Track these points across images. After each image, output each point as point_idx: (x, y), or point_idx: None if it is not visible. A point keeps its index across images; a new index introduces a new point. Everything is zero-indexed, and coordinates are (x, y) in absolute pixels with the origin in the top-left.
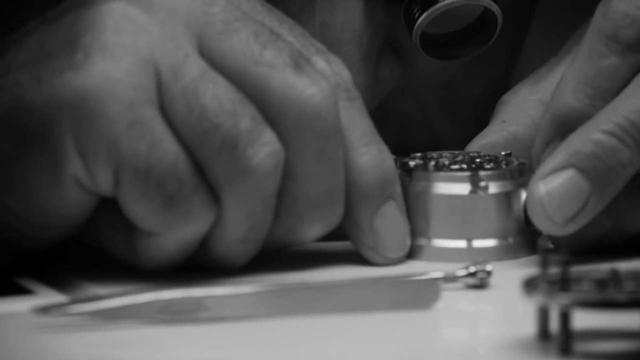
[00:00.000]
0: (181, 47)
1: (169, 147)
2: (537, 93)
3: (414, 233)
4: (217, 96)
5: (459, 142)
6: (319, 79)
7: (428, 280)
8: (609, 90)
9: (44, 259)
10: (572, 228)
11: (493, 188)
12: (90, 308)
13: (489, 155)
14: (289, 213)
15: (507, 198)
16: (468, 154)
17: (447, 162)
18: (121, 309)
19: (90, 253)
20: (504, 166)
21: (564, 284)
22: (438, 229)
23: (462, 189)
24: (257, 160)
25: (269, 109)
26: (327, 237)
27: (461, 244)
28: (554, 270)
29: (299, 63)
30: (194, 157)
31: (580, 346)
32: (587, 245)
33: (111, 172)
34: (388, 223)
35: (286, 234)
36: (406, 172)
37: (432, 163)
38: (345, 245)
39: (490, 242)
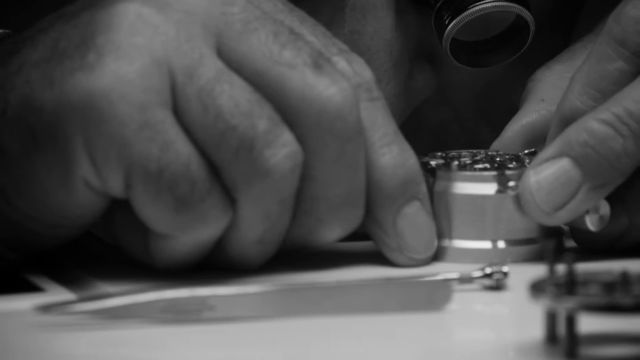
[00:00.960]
0: (197, 48)
1: (181, 150)
2: (573, 70)
3: (438, 234)
4: (233, 97)
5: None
6: (339, 79)
7: (440, 282)
8: (614, 94)
9: (60, 255)
10: (562, 217)
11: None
12: (92, 307)
13: (509, 154)
14: (307, 215)
15: None
16: (487, 152)
17: (469, 162)
18: (124, 308)
19: (107, 250)
20: (527, 164)
21: (570, 287)
22: (462, 230)
23: (489, 188)
24: (274, 162)
25: (288, 109)
26: (350, 237)
27: (486, 245)
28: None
29: (319, 63)
30: (209, 159)
31: (587, 350)
32: (608, 244)
33: (122, 175)
34: (412, 223)
35: (305, 236)
36: (428, 171)
37: (455, 162)
38: (367, 245)
39: (516, 243)
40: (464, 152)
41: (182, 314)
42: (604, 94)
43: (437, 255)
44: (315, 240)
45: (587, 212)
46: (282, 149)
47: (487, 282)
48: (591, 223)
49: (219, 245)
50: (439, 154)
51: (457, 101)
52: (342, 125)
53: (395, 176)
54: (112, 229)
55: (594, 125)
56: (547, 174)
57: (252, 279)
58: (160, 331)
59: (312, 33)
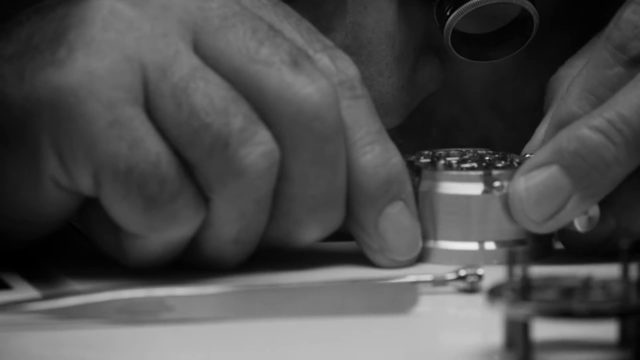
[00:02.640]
0: (172, 44)
1: (151, 148)
2: None
3: (423, 235)
4: (208, 94)
5: (512, 146)
6: (318, 77)
7: (406, 284)
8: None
9: (37, 252)
10: (552, 227)
11: (506, 188)
12: (46, 306)
13: (499, 154)
14: (284, 215)
15: None
16: (477, 151)
17: (456, 161)
18: (79, 307)
19: (87, 245)
20: (516, 164)
21: (524, 292)
22: (447, 231)
23: (474, 188)
24: (249, 160)
25: (264, 108)
26: (335, 237)
27: (473, 246)
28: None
29: (297, 61)
30: (183, 158)
31: (542, 357)
32: (594, 246)
33: (90, 174)
34: (394, 224)
35: (282, 236)
36: (414, 171)
37: (442, 162)
38: (349, 245)
39: (504, 245)
40: (452, 151)
41: (138, 314)
42: (602, 99)
43: (422, 257)
44: (293, 240)
45: None
46: (258, 148)
47: (461, 284)
48: (579, 224)
49: (194, 244)
50: (427, 152)
51: (467, 95)
52: (320, 125)
53: (377, 176)
54: (87, 226)
55: (585, 132)
56: (536, 181)
57: (213, 279)
58: (115, 332)
59: (295, 29)
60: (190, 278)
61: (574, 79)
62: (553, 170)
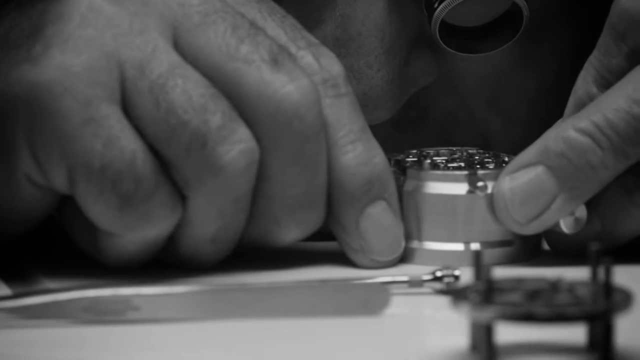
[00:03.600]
0: (150, 41)
1: (126, 146)
2: None
3: (406, 235)
4: (186, 91)
5: (512, 142)
6: (299, 76)
7: (377, 285)
8: None
9: (16, 249)
10: (536, 228)
11: (491, 188)
12: (10, 305)
13: (489, 153)
14: (263, 215)
15: None
16: (467, 150)
17: (444, 160)
18: (44, 306)
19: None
20: (504, 165)
21: (488, 296)
22: (432, 231)
23: (460, 188)
24: (227, 158)
25: (244, 106)
26: (319, 237)
27: (458, 247)
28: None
29: (277, 59)
30: (161, 156)
31: None
32: (580, 249)
33: (65, 171)
34: (376, 224)
35: (261, 236)
36: (400, 170)
37: (428, 161)
38: (331, 245)
39: (490, 246)
40: (442, 150)
41: (105, 314)
42: (608, 87)
43: (407, 257)
44: (272, 240)
45: None
46: (237, 146)
47: (437, 285)
48: (565, 225)
49: (172, 242)
50: (415, 151)
51: (464, 89)
52: (299, 124)
53: (358, 175)
54: (65, 223)
55: (572, 134)
56: (521, 182)
57: (181, 278)
58: (80, 331)
59: (279, 25)
60: (160, 277)
61: (590, 58)
62: (538, 171)
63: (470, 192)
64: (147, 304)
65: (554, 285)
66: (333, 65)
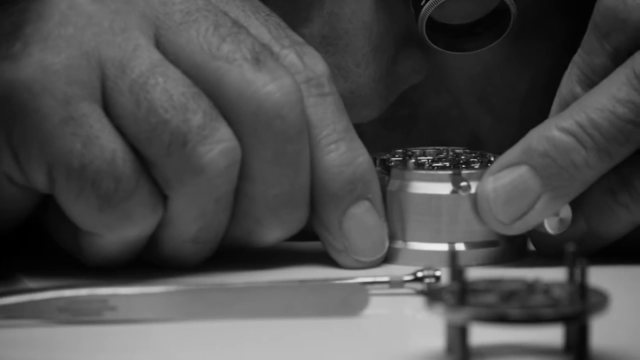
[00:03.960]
0: (132, 39)
1: (106, 145)
2: None
3: (390, 235)
4: (167, 90)
5: (503, 141)
6: (281, 75)
7: (356, 285)
8: None
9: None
10: (520, 228)
11: (475, 188)
12: None
13: (475, 152)
14: (245, 215)
15: None
16: (454, 150)
17: (429, 160)
18: (19, 306)
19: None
20: (489, 165)
21: (462, 297)
22: (416, 231)
23: (444, 188)
24: (208, 158)
25: (225, 105)
26: (300, 237)
27: (442, 247)
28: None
29: (259, 58)
30: (141, 155)
31: None
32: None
33: (44, 170)
34: (359, 224)
35: (244, 236)
36: (385, 170)
37: (412, 161)
38: (315, 245)
39: (474, 246)
40: (429, 150)
41: (81, 314)
42: (592, 86)
43: (391, 258)
44: (255, 240)
45: None
46: (218, 145)
47: (418, 286)
48: (550, 226)
49: (154, 242)
50: (400, 150)
51: (454, 88)
52: (281, 124)
53: (341, 175)
54: (46, 223)
55: (556, 134)
56: (504, 182)
57: (158, 278)
58: (56, 332)
59: (263, 24)
60: (138, 277)
61: (574, 57)
62: (522, 171)
63: (454, 192)
64: (124, 305)
65: (530, 287)
66: (317, 64)
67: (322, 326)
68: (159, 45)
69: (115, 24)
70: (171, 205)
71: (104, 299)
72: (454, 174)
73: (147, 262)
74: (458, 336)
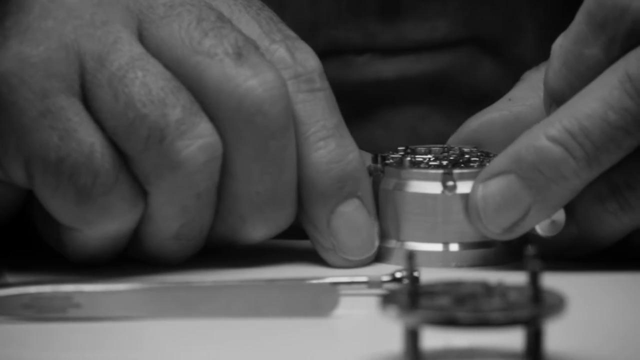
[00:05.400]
0: (113, 32)
1: (83, 139)
2: None
3: (385, 234)
4: (145, 85)
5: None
6: (264, 70)
7: (326, 285)
8: (589, 79)
9: None
10: (512, 236)
11: (466, 188)
12: None
13: (482, 152)
14: (229, 213)
15: None
16: (461, 149)
17: (428, 158)
18: None
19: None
20: (487, 164)
21: (413, 300)
22: (411, 231)
23: (437, 188)
24: (185, 154)
25: (206, 100)
26: (292, 234)
27: (437, 247)
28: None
29: (242, 53)
30: (120, 150)
31: None
32: (556, 253)
33: (22, 164)
34: (348, 223)
35: (228, 234)
36: (383, 168)
37: (408, 159)
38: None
39: (469, 247)
40: (435, 148)
41: (45, 311)
42: (580, 78)
43: (385, 257)
44: (240, 238)
45: None
46: (196, 141)
47: (396, 287)
48: (541, 229)
49: (137, 239)
50: (403, 147)
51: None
52: (263, 120)
53: (329, 172)
54: (31, 218)
55: (545, 144)
56: (493, 190)
57: (125, 276)
58: (20, 328)
59: (254, 18)
60: (108, 274)
61: (554, 48)
62: (511, 179)
63: (444, 191)
64: (88, 302)
65: (489, 290)
66: (308, 60)
67: (290, 326)
68: (142, 38)
69: (97, 16)
70: (151, 201)
71: (67, 296)
72: (445, 173)
73: (131, 259)
74: (410, 339)
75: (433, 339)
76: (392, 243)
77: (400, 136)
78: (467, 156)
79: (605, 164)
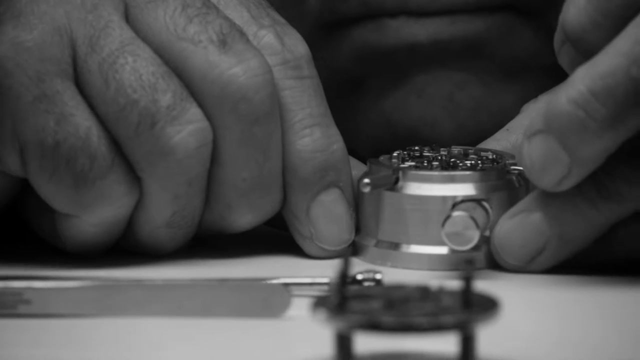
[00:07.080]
0: (104, 17)
1: (80, 123)
2: None
3: (366, 232)
4: (136, 70)
5: None
6: (249, 57)
7: (277, 286)
8: (617, 17)
9: None
10: (561, 188)
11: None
12: None
13: (496, 155)
14: (217, 200)
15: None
16: (479, 151)
17: (428, 159)
18: None
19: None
20: (483, 167)
21: (342, 303)
22: (415, 234)
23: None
24: (177, 139)
25: (191, 87)
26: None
27: (432, 250)
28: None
29: (226, 40)
30: (113, 136)
31: None
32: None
33: (17, 150)
34: (327, 212)
35: (217, 222)
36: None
37: (407, 159)
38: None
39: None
40: (454, 149)
41: None
42: (606, 16)
43: (390, 261)
44: (227, 226)
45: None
46: (187, 126)
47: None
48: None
49: (130, 228)
50: (416, 147)
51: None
52: (247, 106)
53: (313, 160)
54: (22, 210)
55: (564, 108)
56: (535, 149)
57: (76, 271)
58: None
59: (242, 3)
60: (57, 269)
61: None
62: (548, 139)
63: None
64: (39, 298)
65: (425, 294)
66: (297, 46)
67: (240, 327)
68: (129, 22)
69: (87, 1)
70: (144, 188)
71: (18, 292)
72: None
73: (77, 256)
74: (340, 343)
75: (387, 342)
76: (394, 246)
77: (437, 104)
78: (481, 159)
79: (631, 124)
